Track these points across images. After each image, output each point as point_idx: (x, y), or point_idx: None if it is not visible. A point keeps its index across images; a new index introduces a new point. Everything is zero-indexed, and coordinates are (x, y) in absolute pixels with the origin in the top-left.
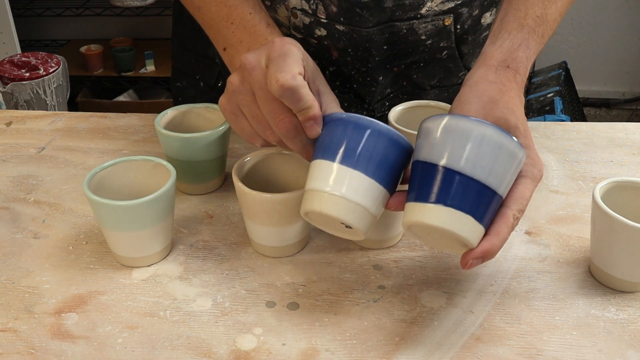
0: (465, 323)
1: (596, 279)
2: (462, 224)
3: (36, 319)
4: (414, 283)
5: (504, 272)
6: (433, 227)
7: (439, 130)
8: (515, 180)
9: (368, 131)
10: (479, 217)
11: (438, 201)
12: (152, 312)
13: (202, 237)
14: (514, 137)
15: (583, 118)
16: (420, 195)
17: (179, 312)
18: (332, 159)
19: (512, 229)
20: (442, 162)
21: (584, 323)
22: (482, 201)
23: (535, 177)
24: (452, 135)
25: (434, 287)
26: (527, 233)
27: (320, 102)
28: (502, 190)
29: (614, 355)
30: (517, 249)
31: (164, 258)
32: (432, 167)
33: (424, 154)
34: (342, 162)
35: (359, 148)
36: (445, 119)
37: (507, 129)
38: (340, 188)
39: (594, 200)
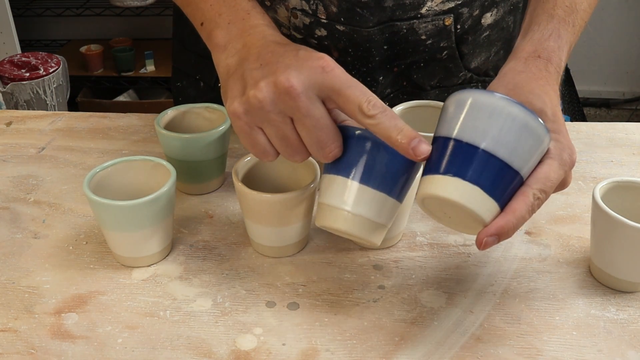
0: (465, 323)
1: (596, 279)
2: (471, 196)
3: (36, 319)
4: (414, 283)
5: (504, 272)
6: (441, 198)
7: (454, 105)
8: (541, 161)
9: (383, 149)
10: (488, 190)
11: (448, 172)
12: (152, 312)
13: (202, 237)
14: (530, 110)
15: (583, 118)
16: (433, 167)
17: (179, 312)
18: (347, 175)
19: (533, 210)
20: (455, 135)
21: (584, 323)
22: (494, 174)
23: (564, 161)
24: (465, 109)
25: (434, 287)
26: (527, 233)
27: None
28: (516, 163)
29: (614, 355)
30: (517, 249)
31: (164, 258)
32: (445, 141)
33: (439, 130)
34: (356, 178)
35: (375, 165)
36: (459, 95)
37: None
38: (355, 206)
39: (594, 200)
